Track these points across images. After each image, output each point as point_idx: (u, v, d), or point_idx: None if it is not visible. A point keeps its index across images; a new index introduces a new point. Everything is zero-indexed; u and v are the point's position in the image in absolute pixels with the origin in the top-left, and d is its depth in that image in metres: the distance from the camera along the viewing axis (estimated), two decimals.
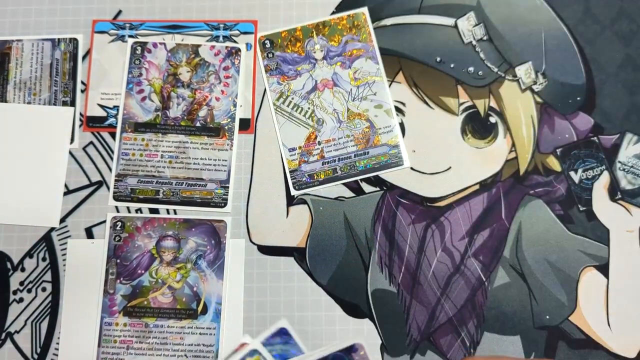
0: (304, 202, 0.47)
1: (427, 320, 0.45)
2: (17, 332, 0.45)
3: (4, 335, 0.45)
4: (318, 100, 0.48)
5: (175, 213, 0.47)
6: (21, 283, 0.46)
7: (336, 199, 0.47)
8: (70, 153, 0.48)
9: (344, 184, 0.47)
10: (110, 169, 0.47)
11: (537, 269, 0.45)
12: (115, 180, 0.47)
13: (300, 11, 0.50)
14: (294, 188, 0.47)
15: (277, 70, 0.49)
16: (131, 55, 0.49)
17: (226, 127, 0.48)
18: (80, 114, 0.49)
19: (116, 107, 0.48)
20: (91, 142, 0.48)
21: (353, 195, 0.47)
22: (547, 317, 0.45)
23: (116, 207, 0.47)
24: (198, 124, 0.48)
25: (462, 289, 0.45)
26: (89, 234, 0.47)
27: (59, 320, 0.45)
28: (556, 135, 0.48)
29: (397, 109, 0.48)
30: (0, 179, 0.47)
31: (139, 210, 0.47)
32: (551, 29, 0.49)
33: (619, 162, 0.47)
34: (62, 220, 0.47)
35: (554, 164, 0.47)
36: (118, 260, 0.46)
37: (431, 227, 0.46)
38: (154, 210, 0.47)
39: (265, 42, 0.49)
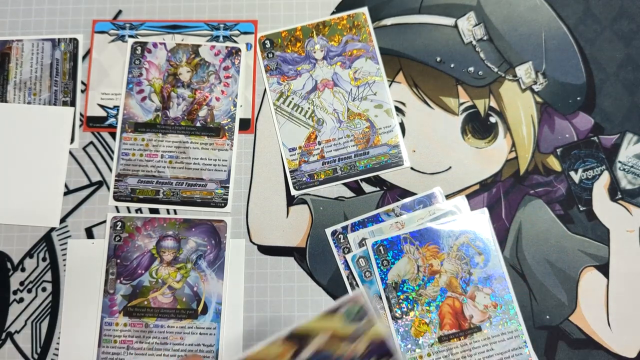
0: (304, 202, 0.47)
1: None
2: (18, 332, 0.45)
3: (4, 335, 0.45)
4: (318, 100, 0.48)
5: (176, 213, 0.47)
6: (21, 283, 0.46)
7: (336, 199, 0.47)
8: (71, 153, 0.48)
9: (344, 184, 0.47)
10: (110, 169, 0.47)
11: (537, 269, 0.45)
12: (116, 180, 0.47)
13: (300, 11, 0.50)
14: (294, 188, 0.47)
15: (277, 70, 0.49)
16: (131, 55, 0.49)
17: (226, 127, 0.48)
18: (81, 114, 0.49)
19: (116, 107, 0.48)
20: (91, 142, 0.48)
21: (353, 195, 0.47)
22: (547, 317, 0.45)
23: (116, 207, 0.47)
24: (198, 124, 0.48)
25: None
26: (89, 234, 0.47)
27: (59, 320, 0.45)
28: (556, 135, 0.48)
29: (397, 109, 0.48)
30: (1, 179, 0.47)
31: (139, 210, 0.47)
32: (551, 28, 0.49)
33: (619, 162, 0.47)
34: (62, 220, 0.47)
35: (554, 163, 0.47)
36: (118, 260, 0.46)
37: None
38: (154, 210, 0.47)
39: (266, 42, 0.49)
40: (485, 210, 0.46)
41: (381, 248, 0.44)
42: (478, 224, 0.45)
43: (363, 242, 0.45)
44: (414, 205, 0.46)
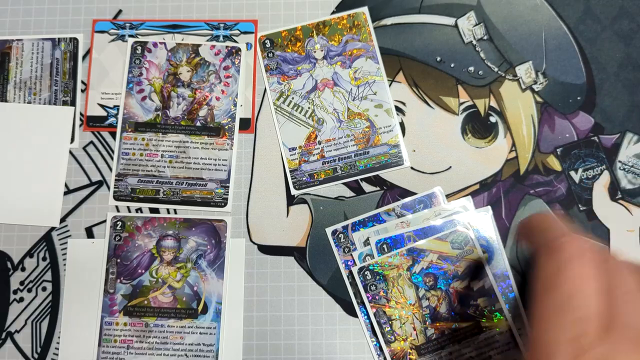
0: (304, 201, 0.47)
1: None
2: (18, 331, 0.45)
3: (4, 334, 0.45)
4: (318, 99, 0.48)
5: (176, 213, 0.47)
6: (21, 282, 0.46)
7: (336, 198, 0.47)
8: (71, 152, 0.48)
9: (344, 183, 0.47)
10: (110, 169, 0.47)
11: None
12: (116, 179, 0.47)
13: (300, 11, 0.50)
14: (294, 187, 0.47)
15: (277, 69, 0.49)
16: (131, 55, 0.49)
17: (226, 127, 0.48)
18: (81, 114, 0.49)
19: (116, 107, 0.48)
20: (91, 142, 0.48)
21: (353, 195, 0.47)
22: None
23: (116, 207, 0.47)
24: (198, 124, 0.48)
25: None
26: (89, 233, 0.47)
27: (59, 319, 0.45)
28: (556, 135, 0.48)
29: (397, 109, 0.48)
30: (1, 179, 0.47)
31: (139, 209, 0.47)
32: (551, 28, 0.49)
33: (619, 161, 0.47)
34: (63, 219, 0.47)
35: (554, 163, 0.47)
36: (118, 260, 0.46)
37: None
38: (154, 210, 0.47)
39: (266, 41, 0.49)
40: (489, 208, 0.46)
41: (384, 246, 0.45)
42: (482, 222, 0.45)
43: (368, 241, 0.45)
44: (414, 205, 0.46)
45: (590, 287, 0.26)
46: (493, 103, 0.48)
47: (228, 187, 0.47)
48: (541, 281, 0.28)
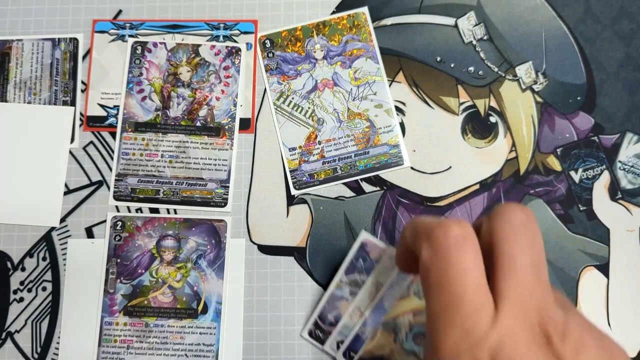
0: (304, 201, 0.47)
1: None
2: (18, 331, 0.45)
3: (4, 334, 0.45)
4: (318, 99, 0.48)
5: (176, 213, 0.47)
6: (21, 282, 0.46)
7: (336, 198, 0.47)
8: (71, 153, 0.48)
9: (344, 183, 0.47)
10: (110, 169, 0.48)
11: None
12: (116, 179, 0.47)
13: (300, 11, 0.50)
14: (294, 188, 0.47)
15: (277, 69, 0.49)
16: (131, 55, 0.49)
17: (226, 127, 0.48)
18: (81, 114, 0.49)
19: (116, 107, 0.48)
20: (91, 142, 0.48)
21: (353, 195, 0.47)
22: None
23: (116, 207, 0.47)
24: (198, 124, 0.48)
25: None
26: (89, 233, 0.47)
27: (59, 319, 0.45)
28: (556, 135, 0.48)
29: (398, 109, 0.48)
30: (0, 179, 0.47)
31: (139, 209, 0.47)
32: (551, 28, 0.49)
33: (620, 161, 0.47)
34: (63, 219, 0.47)
35: (554, 163, 0.47)
36: (118, 260, 0.46)
37: None
38: (154, 210, 0.47)
39: (266, 41, 0.49)
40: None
41: (352, 353, 0.43)
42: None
43: (338, 345, 0.43)
44: (354, 266, 0.43)
45: (473, 278, 0.27)
46: (493, 103, 0.48)
47: (228, 187, 0.47)
48: (427, 278, 0.28)
